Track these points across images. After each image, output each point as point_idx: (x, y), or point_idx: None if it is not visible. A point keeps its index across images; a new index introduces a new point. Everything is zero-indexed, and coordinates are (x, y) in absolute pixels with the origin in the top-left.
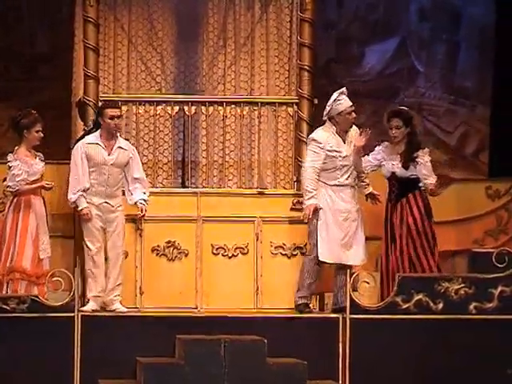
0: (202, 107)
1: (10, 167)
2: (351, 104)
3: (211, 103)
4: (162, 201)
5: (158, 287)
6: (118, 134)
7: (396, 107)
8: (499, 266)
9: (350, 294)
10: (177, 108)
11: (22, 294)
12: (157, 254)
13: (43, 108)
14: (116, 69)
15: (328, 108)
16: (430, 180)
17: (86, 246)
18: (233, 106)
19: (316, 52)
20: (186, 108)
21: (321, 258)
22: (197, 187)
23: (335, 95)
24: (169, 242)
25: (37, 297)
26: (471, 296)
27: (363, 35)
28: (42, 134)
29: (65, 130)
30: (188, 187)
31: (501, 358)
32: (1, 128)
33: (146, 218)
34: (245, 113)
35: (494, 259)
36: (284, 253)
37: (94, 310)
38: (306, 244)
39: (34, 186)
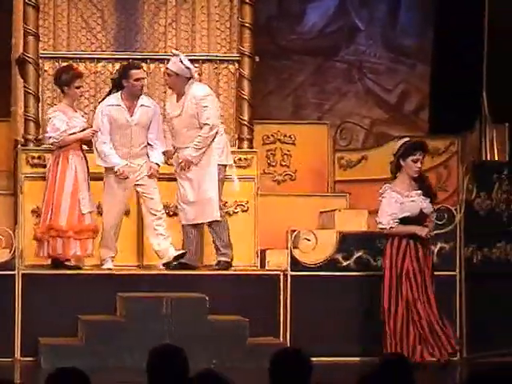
0: (143, 64)
1: (50, 119)
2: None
3: (152, 60)
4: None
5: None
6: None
7: (418, 139)
8: (438, 222)
9: (291, 252)
10: (118, 65)
11: None
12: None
13: None
14: (56, 25)
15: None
16: None
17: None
18: None
19: (257, 9)
20: None
21: None
22: None
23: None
24: None
25: None
26: None
27: None
28: (82, 90)
29: (4, 87)
30: None
31: None
32: None
33: None
34: None
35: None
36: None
37: (109, 269)
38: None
39: (79, 135)
